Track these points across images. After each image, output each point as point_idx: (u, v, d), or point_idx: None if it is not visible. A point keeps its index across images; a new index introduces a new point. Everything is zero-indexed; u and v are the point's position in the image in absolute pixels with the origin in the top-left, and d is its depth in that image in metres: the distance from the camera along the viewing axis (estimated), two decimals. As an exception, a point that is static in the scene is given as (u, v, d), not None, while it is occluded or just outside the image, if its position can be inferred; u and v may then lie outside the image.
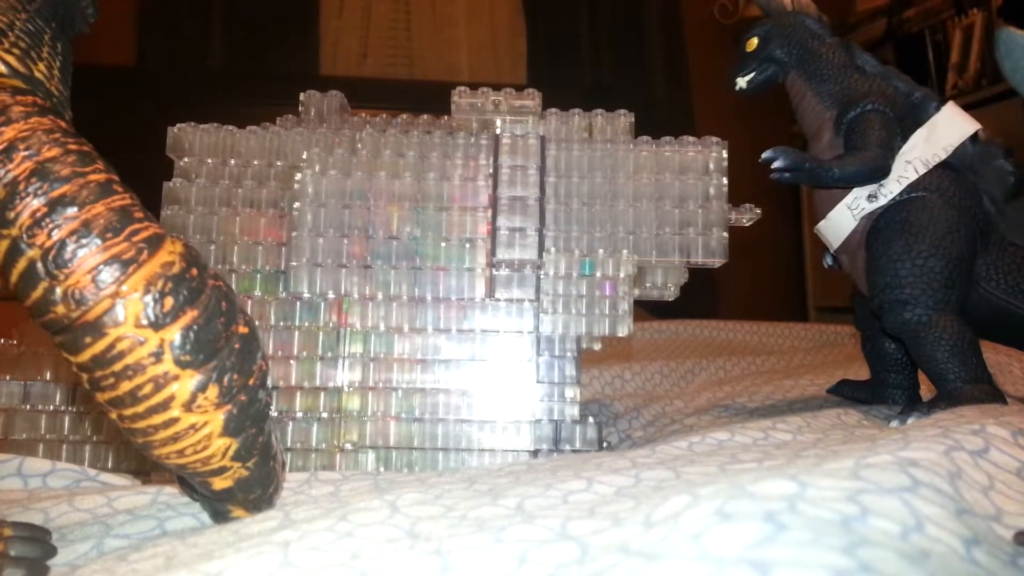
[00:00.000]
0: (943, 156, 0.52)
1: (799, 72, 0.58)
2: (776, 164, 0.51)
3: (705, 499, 0.21)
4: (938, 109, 0.54)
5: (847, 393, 0.62)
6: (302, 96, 0.61)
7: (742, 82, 0.61)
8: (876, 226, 0.53)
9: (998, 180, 0.53)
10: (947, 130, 0.53)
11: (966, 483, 0.25)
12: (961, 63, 1.75)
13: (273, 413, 0.50)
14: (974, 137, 0.53)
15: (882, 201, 0.52)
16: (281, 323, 0.53)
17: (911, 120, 0.54)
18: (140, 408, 0.26)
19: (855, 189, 0.53)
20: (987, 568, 0.20)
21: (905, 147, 0.53)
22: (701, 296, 1.98)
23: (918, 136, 0.53)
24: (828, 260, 0.63)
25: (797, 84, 0.59)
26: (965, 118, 0.54)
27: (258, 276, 0.54)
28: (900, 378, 0.59)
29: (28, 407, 0.53)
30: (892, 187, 0.52)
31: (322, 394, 0.52)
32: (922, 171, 0.52)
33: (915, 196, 0.52)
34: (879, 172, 0.52)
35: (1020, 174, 0.53)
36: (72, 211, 0.25)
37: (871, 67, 0.56)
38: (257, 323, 0.50)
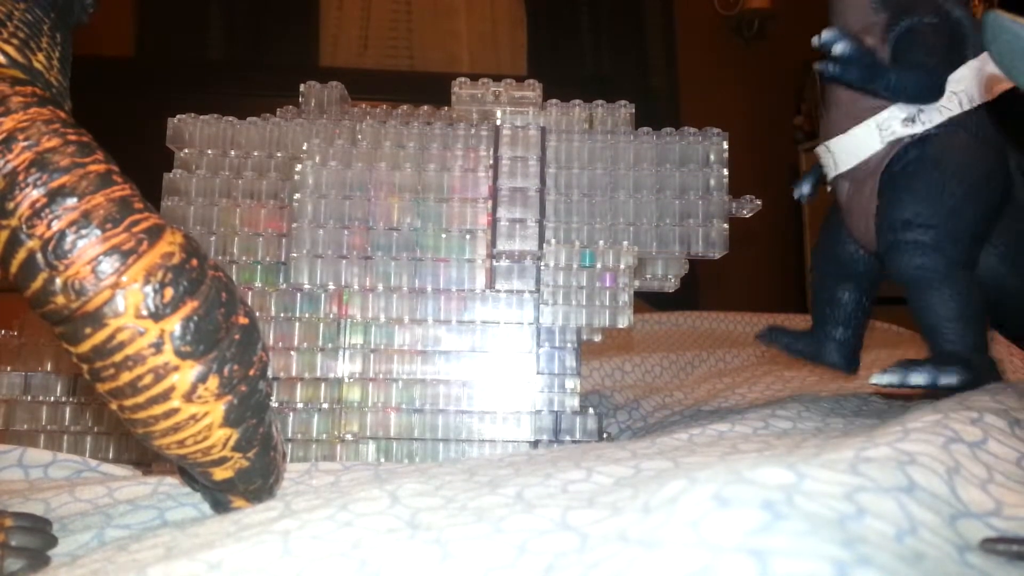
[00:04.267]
0: (989, 97, 0.47)
1: None
2: (838, 48, 0.45)
3: (702, 483, 0.22)
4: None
5: (782, 342, 0.58)
6: (302, 87, 0.61)
7: None
8: (904, 156, 0.47)
9: None
10: (997, 71, 0.50)
11: (964, 479, 0.25)
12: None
13: (273, 404, 0.51)
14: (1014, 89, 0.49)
15: (918, 128, 0.47)
16: (281, 314, 0.53)
17: (956, 51, 0.48)
18: (140, 398, 0.26)
19: (892, 107, 0.48)
20: (981, 570, 0.20)
21: (954, 76, 0.47)
22: (701, 287, 1.99)
23: (969, 67, 0.47)
24: (805, 189, 0.57)
25: None
26: None
27: (258, 267, 0.54)
28: (846, 334, 0.54)
29: (29, 398, 0.53)
30: (933, 116, 0.47)
31: (323, 385, 0.52)
32: (967, 107, 0.47)
33: (953, 132, 0.47)
34: (935, 92, 0.47)
35: None
36: (72, 202, 0.25)
37: None
38: (257, 314, 0.50)
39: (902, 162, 0.47)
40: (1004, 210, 0.47)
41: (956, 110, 0.47)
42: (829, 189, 0.54)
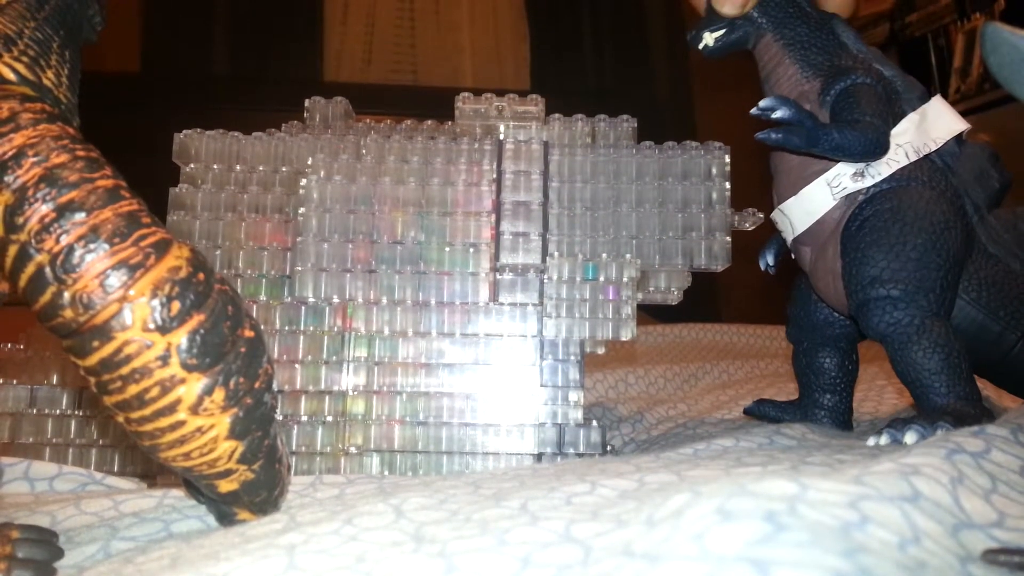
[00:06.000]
0: (934, 147, 0.48)
1: (776, 36, 0.51)
2: (778, 114, 0.45)
3: (706, 496, 0.22)
4: (922, 100, 0.49)
5: (769, 414, 0.56)
6: (307, 102, 0.62)
7: (709, 39, 0.53)
8: (860, 214, 0.47)
9: (982, 185, 0.48)
10: (937, 122, 0.49)
11: (968, 489, 0.25)
12: (964, 67, 1.75)
13: (278, 416, 0.51)
14: (958, 138, 0.49)
15: (868, 182, 0.47)
16: (286, 327, 0.53)
17: (892, 107, 0.49)
18: (147, 411, 0.26)
19: (839, 164, 0.48)
20: None
21: (896, 130, 0.48)
22: (704, 299, 1.98)
23: (910, 120, 0.48)
24: (769, 259, 0.57)
25: (772, 49, 0.52)
26: (954, 114, 0.49)
27: (263, 281, 0.54)
28: (835, 400, 0.53)
29: (35, 411, 0.53)
30: (881, 168, 0.47)
31: (327, 398, 0.52)
32: (913, 158, 0.47)
33: (906, 185, 0.47)
34: (880, 147, 0.46)
35: (1005, 180, 0.49)
36: (80, 216, 0.26)
37: (852, 43, 0.51)
38: (263, 327, 0.50)
39: (859, 219, 0.47)
40: (969, 255, 0.47)
41: (904, 162, 0.47)
42: (793, 256, 0.53)
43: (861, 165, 0.47)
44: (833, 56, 0.50)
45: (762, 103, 0.46)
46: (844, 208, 0.48)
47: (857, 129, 0.46)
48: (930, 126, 0.48)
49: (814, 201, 0.49)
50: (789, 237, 0.52)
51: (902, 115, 0.49)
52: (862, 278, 0.45)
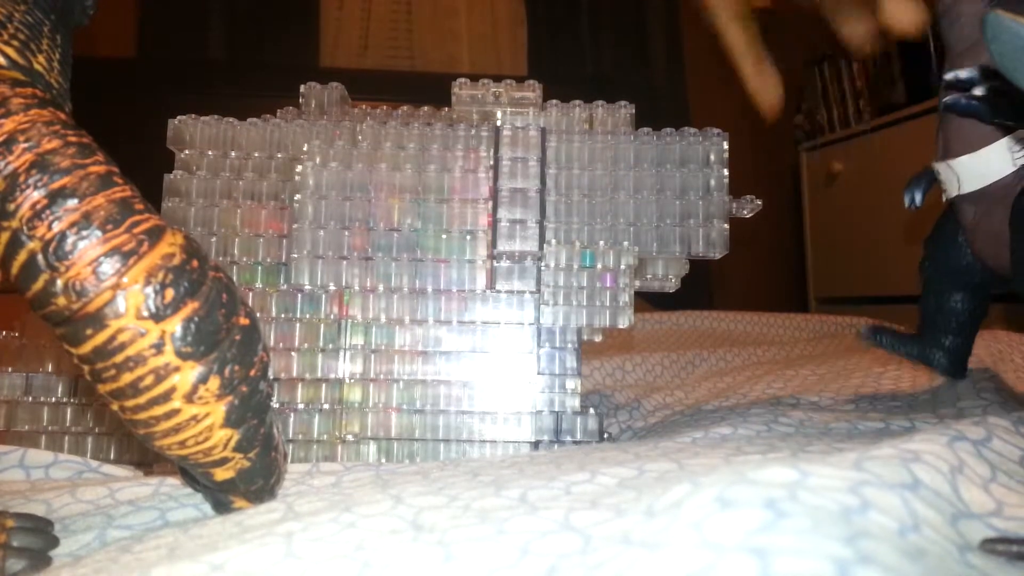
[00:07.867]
0: None
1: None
2: (978, 91, 0.42)
3: (706, 486, 0.22)
4: None
5: (884, 342, 0.55)
6: (302, 88, 0.61)
7: None
8: None
9: None
10: None
11: (967, 477, 0.25)
12: (963, 53, 1.74)
13: (275, 404, 0.51)
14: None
15: None
16: (282, 315, 0.53)
17: None
18: (141, 399, 0.26)
19: (1021, 131, 0.46)
20: (981, 570, 0.20)
21: None
22: (702, 287, 1.99)
23: None
24: (917, 198, 0.55)
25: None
26: None
27: (259, 268, 0.54)
28: (957, 342, 0.53)
29: (30, 399, 0.53)
30: None
31: (323, 386, 0.52)
32: None
33: None
34: None
35: None
36: (72, 203, 0.25)
37: None
38: (258, 315, 0.50)
39: None
40: None
41: None
42: (944, 199, 0.52)
43: None
44: None
45: (961, 73, 0.43)
46: (1016, 177, 0.46)
47: None
48: None
49: (990, 164, 0.47)
50: (952, 192, 0.50)
51: None
52: None
